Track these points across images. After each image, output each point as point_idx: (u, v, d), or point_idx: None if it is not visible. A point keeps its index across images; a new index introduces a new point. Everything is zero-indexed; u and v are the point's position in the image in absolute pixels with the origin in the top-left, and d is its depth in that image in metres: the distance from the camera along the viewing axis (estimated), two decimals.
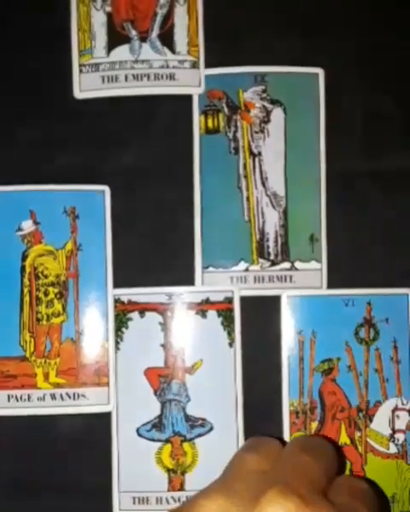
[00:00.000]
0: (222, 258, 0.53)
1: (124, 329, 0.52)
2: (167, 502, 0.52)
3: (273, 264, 0.53)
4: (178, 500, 0.52)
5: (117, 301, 0.52)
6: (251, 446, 0.32)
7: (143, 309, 0.52)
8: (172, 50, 0.54)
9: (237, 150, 0.54)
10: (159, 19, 0.54)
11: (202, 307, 0.52)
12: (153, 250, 0.53)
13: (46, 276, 0.52)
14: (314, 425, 0.52)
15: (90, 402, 0.52)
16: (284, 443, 0.32)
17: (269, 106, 0.54)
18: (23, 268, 0.52)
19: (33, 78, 0.54)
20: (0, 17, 0.54)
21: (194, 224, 0.53)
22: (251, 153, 0.54)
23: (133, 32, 0.54)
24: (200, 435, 0.52)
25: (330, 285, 0.53)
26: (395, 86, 0.54)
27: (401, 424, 0.52)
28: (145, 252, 0.53)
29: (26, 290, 0.52)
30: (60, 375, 0.52)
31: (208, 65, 0.54)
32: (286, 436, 0.51)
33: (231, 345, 0.52)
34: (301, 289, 0.53)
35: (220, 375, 0.52)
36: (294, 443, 0.32)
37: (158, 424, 0.52)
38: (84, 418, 0.52)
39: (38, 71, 0.54)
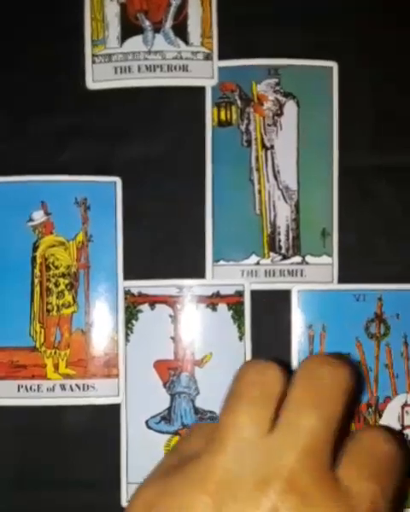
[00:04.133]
0: (233, 251, 0.53)
1: (134, 321, 0.52)
2: None
3: (284, 258, 0.53)
4: None
5: (127, 293, 0.52)
6: (246, 394, 0.27)
7: (153, 301, 0.52)
8: (186, 42, 0.54)
9: (249, 143, 0.54)
10: (173, 10, 0.54)
11: (213, 300, 0.52)
12: (164, 242, 0.53)
13: (57, 267, 0.52)
14: None
15: (99, 393, 0.52)
16: (287, 368, 0.28)
17: (282, 99, 0.54)
18: (34, 259, 0.52)
19: (46, 68, 0.54)
20: (13, 7, 0.53)
21: (205, 217, 0.53)
22: (263, 146, 0.54)
23: (147, 23, 0.54)
24: None
25: (341, 280, 0.53)
26: (409, 80, 0.54)
27: None
28: (156, 244, 0.53)
29: (36, 281, 0.52)
30: (70, 366, 0.52)
31: (222, 57, 0.53)
32: None
33: (240, 338, 0.52)
34: (312, 284, 0.53)
35: (230, 368, 0.51)
36: (300, 393, 0.26)
37: (167, 416, 0.52)
38: (94, 409, 0.52)
39: (50, 61, 0.53)
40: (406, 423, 0.52)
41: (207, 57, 0.53)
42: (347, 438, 0.27)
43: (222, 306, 0.52)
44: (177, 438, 0.52)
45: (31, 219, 0.52)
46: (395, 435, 0.27)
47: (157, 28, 0.54)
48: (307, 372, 0.27)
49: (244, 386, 0.28)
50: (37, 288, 0.52)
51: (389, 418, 0.52)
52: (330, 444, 0.25)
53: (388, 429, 0.27)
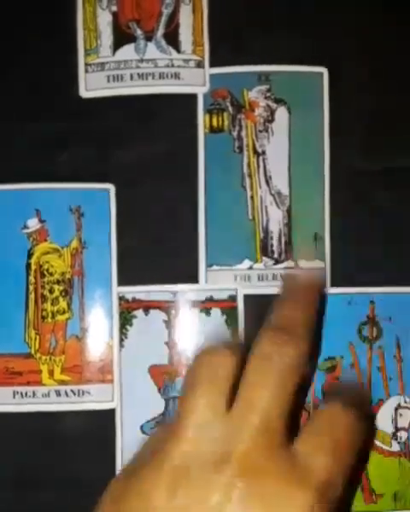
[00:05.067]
0: (226, 256, 0.53)
1: (128, 327, 0.53)
2: None
3: (277, 262, 0.54)
4: None
5: (121, 299, 0.53)
6: (199, 378, 0.28)
7: (147, 307, 0.53)
8: (178, 50, 0.54)
9: (241, 149, 0.54)
10: (164, 18, 0.54)
11: (206, 305, 0.53)
12: (157, 248, 0.53)
13: (51, 274, 0.53)
14: None
15: (94, 399, 0.52)
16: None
17: (273, 105, 0.54)
18: (28, 266, 0.53)
19: (38, 77, 0.54)
20: (5, 16, 0.54)
21: (198, 223, 0.53)
22: (255, 152, 0.54)
23: (139, 32, 0.54)
24: None
25: (334, 284, 0.53)
26: (399, 85, 0.54)
27: (403, 422, 0.53)
28: (150, 250, 0.53)
29: (31, 288, 0.53)
30: (64, 372, 0.52)
31: (213, 64, 0.54)
32: None
33: None
34: None
35: None
36: (252, 374, 0.27)
37: (162, 421, 0.52)
38: (89, 415, 0.52)
39: (43, 70, 0.54)
40: (399, 425, 0.52)
41: (199, 65, 0.54)
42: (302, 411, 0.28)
43: (216, 311, 0.53)
44: None
45: (25, 227, 0.53)
46: (363, 405, 0.28)
47: (149, 37, 0.54)
48: (259, 352, 0.29)
49: (197, 370, 0.29)
50: (31, 295, 0.53)
51: (383, 420, 0.52)
52: (283, 420, 0.27)
53: (356, 398, 0.28)
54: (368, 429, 0.28)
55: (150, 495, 0.24)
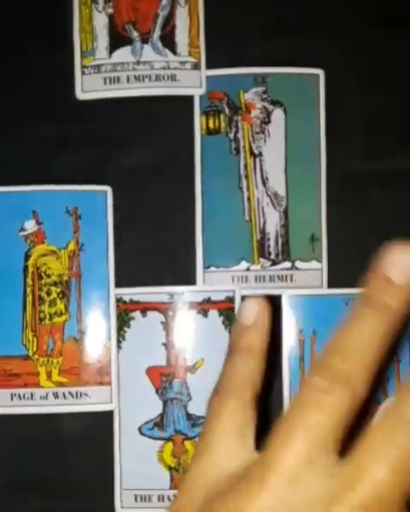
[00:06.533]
0: (223, 257, 0.53)
1: (126, 329, 0.53)
2: (169, 500, 0.52)
3: (274, 263, 0.54)
4: None
5: (119, 301, 0.53)
6: (303, 416, 0.24)
7: (144, 308, 0.53)
8: (174, 52, 0.54)
9: (237, 151, 0.54)
10: (160, 20, 0.54)
11: (204, 306, 0.53)
12: (154, 250, 0.53)
13: (49, 276, 0.53)
14: None
15: (92, 401, 0.52)
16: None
17: (270, 107, 0.54)
18: (26, 268, 0.53)
19: (36, 79, 0.54)
20: (3, 19, 0.54)
21: (195, 224, 0.53)
22: (252, 153, 0.54)
23: (135, 34, 0.54)
24: None
25: (331, 284, 0.53)
26: (395, 86, 0.55)
27: None
28: (147, 251, 0.53)
29: (28, 290, 0.53)
30: (62, 374, 0.52)
31: (209, 66, 0.54)
32: None
33: None
34: (302, 289, 0.53)
35: None
36: (375, 439, 0.23)
37: (160, 423, 0.52)
38: (87, 417, 0.53)
39: (40, 72, 0.54)
40: None
41: (195, 67, 0.54)
42: None
43: (213, 312, 0.53)
44: (170, 445, 0.52)
45: (22, 229, 0.53)
46: None
47: (145, 39, 0.54)
48: (390, 418, 0.24)
49: (298, 410, 0.24)
50: (29, 297, 0.53)
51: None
52: (397, 500, 0.23)
53: None
54: None
55: None
